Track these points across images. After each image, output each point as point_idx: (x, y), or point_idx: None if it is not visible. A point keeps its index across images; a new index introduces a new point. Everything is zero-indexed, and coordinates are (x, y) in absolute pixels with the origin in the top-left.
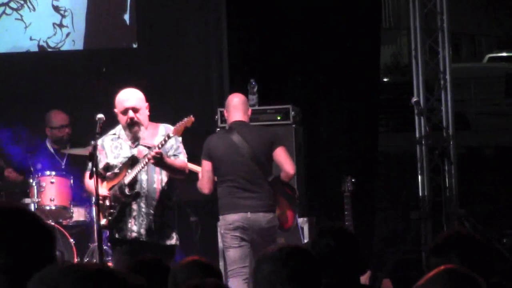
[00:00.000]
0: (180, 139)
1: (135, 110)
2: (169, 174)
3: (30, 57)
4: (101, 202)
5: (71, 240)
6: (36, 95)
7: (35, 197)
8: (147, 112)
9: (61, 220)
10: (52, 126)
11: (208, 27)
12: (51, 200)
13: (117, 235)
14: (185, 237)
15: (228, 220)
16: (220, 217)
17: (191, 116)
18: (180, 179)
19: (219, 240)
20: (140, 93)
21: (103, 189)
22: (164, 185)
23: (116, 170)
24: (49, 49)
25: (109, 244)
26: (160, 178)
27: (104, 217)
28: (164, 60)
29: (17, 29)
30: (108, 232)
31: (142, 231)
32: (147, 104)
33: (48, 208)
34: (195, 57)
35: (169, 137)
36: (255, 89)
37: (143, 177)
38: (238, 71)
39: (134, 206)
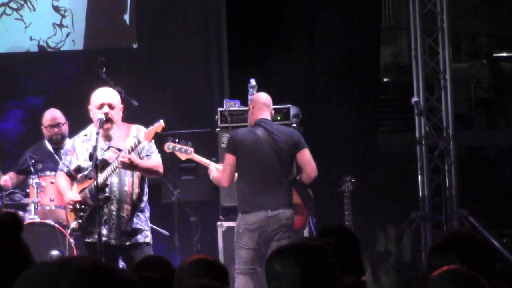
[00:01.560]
0: None
1: (111, 107)
2: (143, 175)
3: (30, 57)
4: (71, 206)
5: (71, 240)
6: (36, 95)
7: (35, 197)
8: (121, 113)
9: (61, 220)
10: (43, 124)
11: (208, 27)
12: (51, 200)
13: (86, 239)
14: (185, 237)
15: (249, 221)
16: (240, 215)
17: (161, 121)
18: (187, 180)
19: (219, 240)
20: (116, 94)
21: (74, 192)
22: (136, 187)
23: (86, 173)
24: (49, 49)
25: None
26: (131, 180)
27: (74, 220)
28: (164, 60)
29: (17, 29)
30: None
31: (112, 235)
32: (122, 106)
33: (48, 208)
34: (195, 57)
35: (139, 142)
36: (255, 89)
37: (114, 180)
38: (238, 71)
39: (105, 210)
